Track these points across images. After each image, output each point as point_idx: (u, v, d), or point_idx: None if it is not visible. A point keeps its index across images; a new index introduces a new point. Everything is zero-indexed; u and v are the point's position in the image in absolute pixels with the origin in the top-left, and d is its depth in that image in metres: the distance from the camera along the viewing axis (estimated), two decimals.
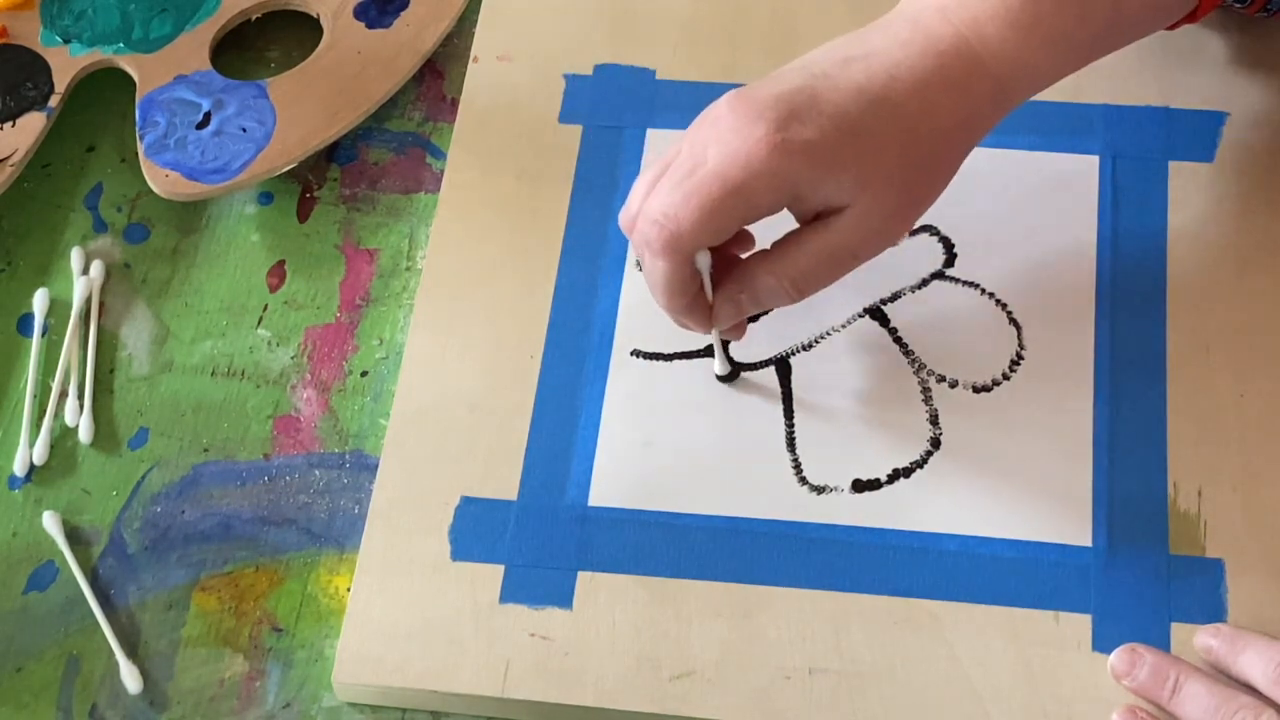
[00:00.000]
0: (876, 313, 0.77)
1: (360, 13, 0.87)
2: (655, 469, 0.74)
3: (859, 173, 0.66)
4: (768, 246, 0.70)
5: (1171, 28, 0.74)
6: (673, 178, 0.67)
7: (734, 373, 0.75)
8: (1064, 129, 0.80)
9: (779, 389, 0.75)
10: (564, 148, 0.82)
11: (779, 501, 0.72)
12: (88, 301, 0.81)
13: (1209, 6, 0.73)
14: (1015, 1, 0.67)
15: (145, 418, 0.78)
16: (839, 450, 0.73)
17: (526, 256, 0.79)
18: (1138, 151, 0.80)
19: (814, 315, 0.76)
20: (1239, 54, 0.81)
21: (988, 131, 0.69)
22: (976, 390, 0.74)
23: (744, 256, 0.70)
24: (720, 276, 0.69)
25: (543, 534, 0.72)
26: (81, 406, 0.78)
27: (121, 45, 0.86)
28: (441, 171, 0.83)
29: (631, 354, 0.76)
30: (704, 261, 0.67)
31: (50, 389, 0.79)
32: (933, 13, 0.68)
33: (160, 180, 0.82)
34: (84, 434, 0.77)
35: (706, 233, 0.66)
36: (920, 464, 0.73)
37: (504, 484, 0.73)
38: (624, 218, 0.70)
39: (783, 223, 0.68)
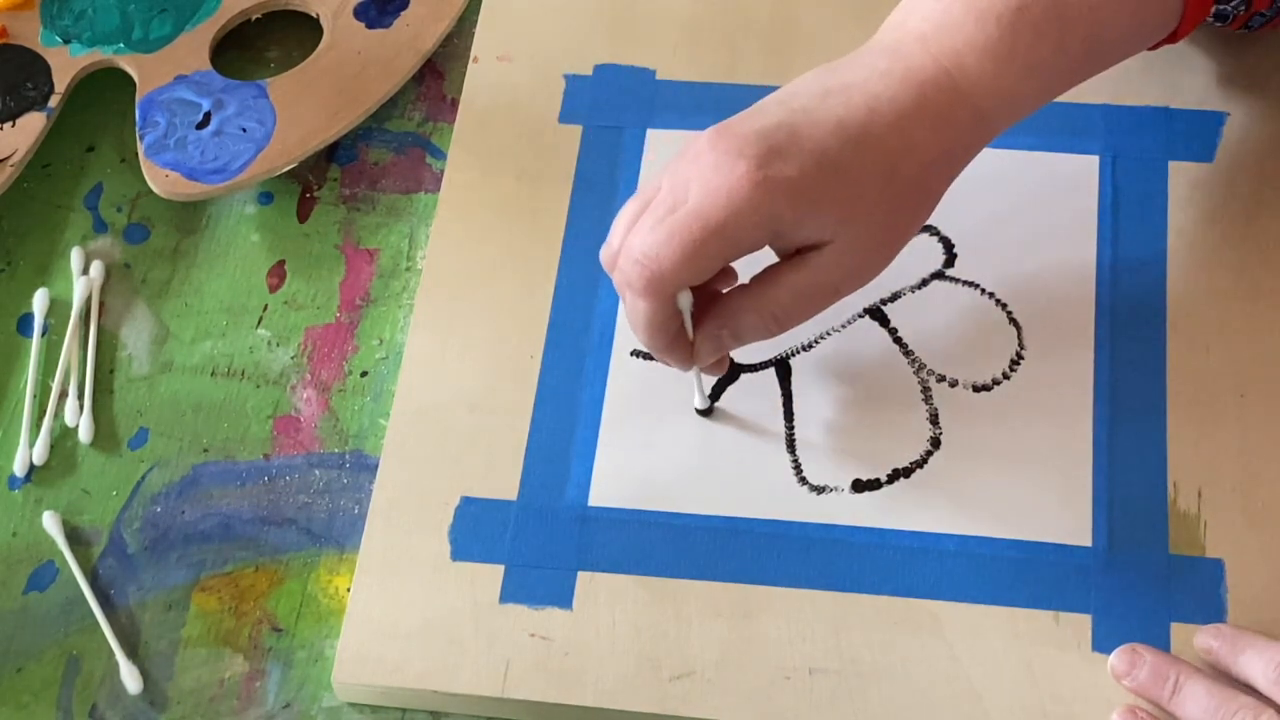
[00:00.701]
0: (876, 313, 0.77)
1: (360, 13, 0.87)
2: (655, 469, 0.74)
3: (840, 210, 0.66)
4: (747, 280, 0.69)
5: (1152, 48, 0.74)
6: (654, 215, 0.66)
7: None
8: (1064, 129, 0.80)
9: (779, 389, 0.75)
10: (564, 148, 0.82)
11: (779, 501, 0.72)
12: (88, 301, 0.81)
13: (1188, 28, 0.73)
14: (994, 31, 0.67)
15: (145, 418, 0.78)
16: (839, 450, 0.73)
17: (526, 256, 0.79)
18: (1138, 151, 0.80)
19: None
20: (1239, 54, 0.81)
21: (968, 162, 0.69)
22: (976, 390, 0.74)
23: (724, 292, 0.70)
24: (700, 313, 0.68)
25: (543, 534, 0.72)
26: (81, 406, 0.78)
27: (121, 45, 0.86)
28: (441, 171, 0.83)
29: (631, 354, 0.76)
30: (685, 301, 0.67)
31: (50, 389, 0.79)
32: (912, 43, 0.68)
33: (160, 180, 0.82)
34: (84, 434, 0.77)
35: (688, 272, 0.65)
36: (920, 464, 0.73)
37: (504, 484, 0.73)
38: (605, 254, 0.69)
39: (763, 255, 0.68)
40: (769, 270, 0.68)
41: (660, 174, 0.68)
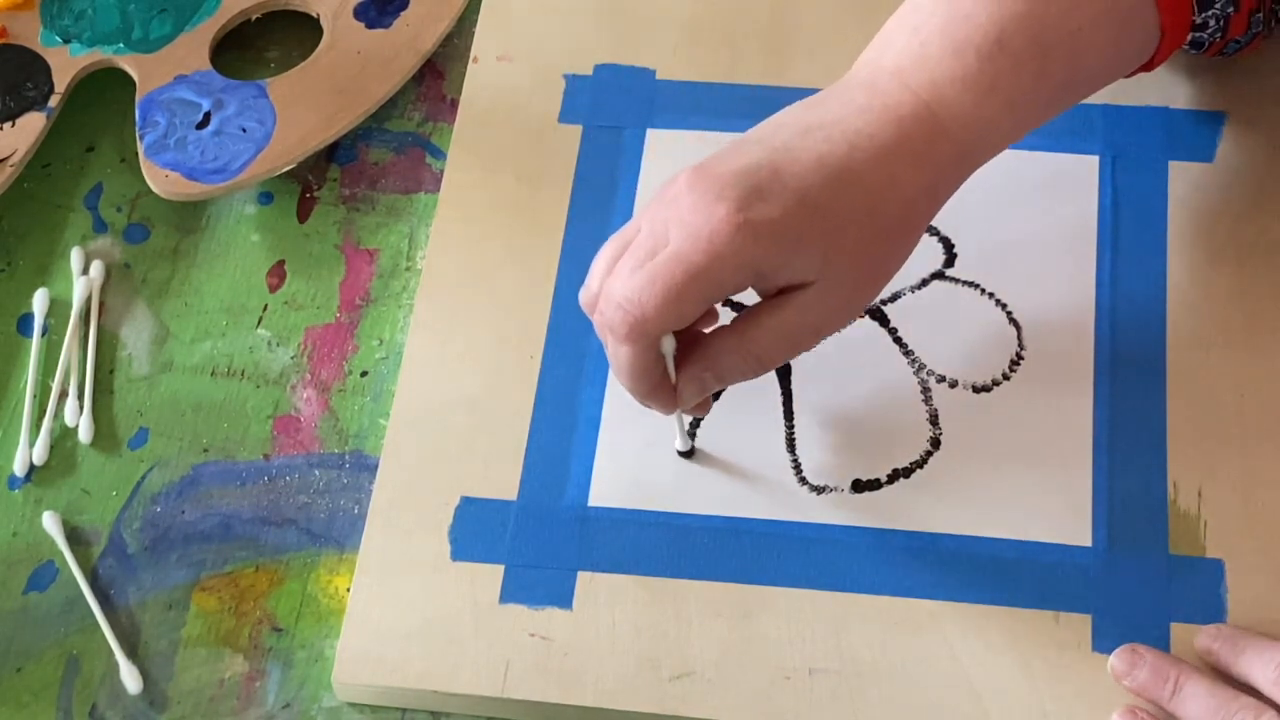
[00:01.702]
0: (876, 313, 0.77)
1: (360, 13, 0.87)
2: (655, 469, 0.74)
3: (823, 250, 0.65)
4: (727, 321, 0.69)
5: (1127, 76, 0.74)
6: (634, 258, 0.65)
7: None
8: (1064, 129, 0.80)
9: (779, 389, 0.75)
10: (564, 148, 0.82)
11: (779, 501, 0.72)
12: (88, 301, 0.81)
13: (1165, 55, 0.73)
14: (973, 64, 0.67)
15: (145, 418, 0.78)
16: (839, 450, 0.73)
17: (526, 256, 0.79)
18: (1138, 151, 0.80)
19: None
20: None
21: (949, 196, 0.69)
22: (976, 390, 0.74)
23: (706, 332, 0.69)
24: (682, 356, 0.67)
25: (542, 534, 0.72)
26: (81, 406, 0.78)
27: (121, 45, 0.86)
28: (441, 171, 0.83)
29: None
30: (669, 346, 0.66)
31: (50, 389, 0.79)
32: (889, 78, 0.67)
33: (160, 180, 0.82)
34: (84, 434, 0.77)
35: (671, 317, 0.64)
36: (920, 464, 0.73)
37: (504, 484, 0.73)
38: (584, 297, 0.68)
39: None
40: (751, 311, 0.67)
41: (639, 215, 0.67)
